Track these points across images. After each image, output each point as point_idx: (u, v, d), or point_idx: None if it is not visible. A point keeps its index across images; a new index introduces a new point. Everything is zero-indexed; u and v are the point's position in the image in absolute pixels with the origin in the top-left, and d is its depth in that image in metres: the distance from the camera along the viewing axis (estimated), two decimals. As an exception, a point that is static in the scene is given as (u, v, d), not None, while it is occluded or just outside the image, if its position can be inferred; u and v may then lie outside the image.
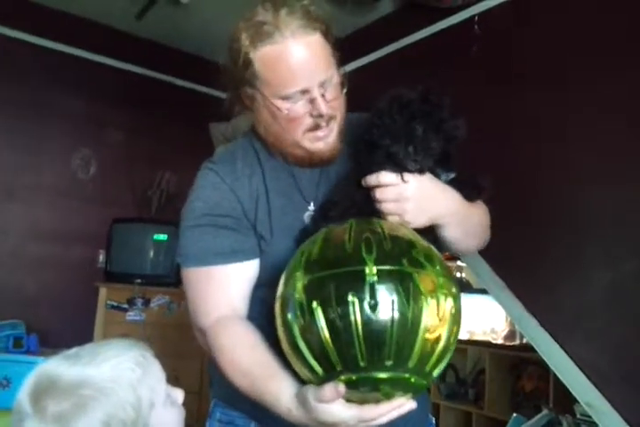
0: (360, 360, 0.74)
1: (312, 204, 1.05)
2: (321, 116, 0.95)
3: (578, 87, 1.89)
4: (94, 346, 0.81)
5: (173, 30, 3.12)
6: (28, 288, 2.81)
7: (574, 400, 2.07)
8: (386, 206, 0.90)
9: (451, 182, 0.98)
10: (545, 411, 2.50)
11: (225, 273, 0.99)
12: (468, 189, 0.99)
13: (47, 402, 0.71)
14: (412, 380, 0.77)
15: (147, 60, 3.24)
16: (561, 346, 1.84)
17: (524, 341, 2.97)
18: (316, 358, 0.77)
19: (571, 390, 1.84)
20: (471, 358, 3.32)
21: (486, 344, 3.25)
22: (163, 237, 3.00)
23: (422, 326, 0.75)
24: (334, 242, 0.82)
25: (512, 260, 1.99)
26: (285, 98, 0.94)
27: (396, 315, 0.74)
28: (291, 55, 0.91)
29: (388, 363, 0.74)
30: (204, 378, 2.81)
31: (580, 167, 1.85)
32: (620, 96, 1.78)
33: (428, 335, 0.76)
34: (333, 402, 0.75)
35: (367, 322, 0.73)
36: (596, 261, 1.78)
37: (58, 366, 0.75)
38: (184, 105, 3.32)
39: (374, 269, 0.75)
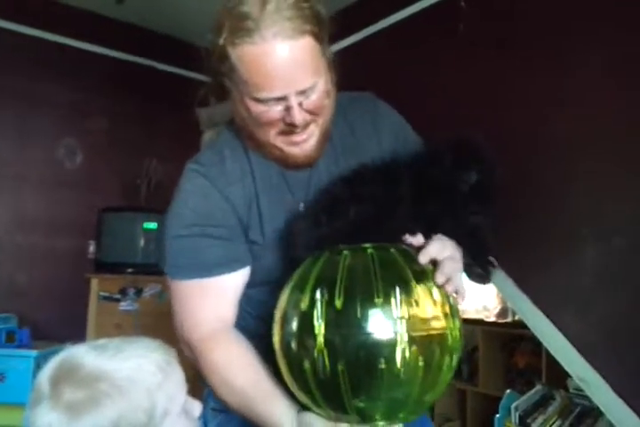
0: (377, 418, 0.78)
1: (302, 204, 1.00)
2: (295, 126, 0.89)
3: (570, 59, 1.88)
4: (122, 341, 0.80)
5: (156, 14, 3.06)
6: (18, 281, 2.78)
7: (567, 375, 2.10)
8: (456, 283, 0.85)
9: None
10: (538, 386, 2.54)
11: (219, 284, 0.96)
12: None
13: (64, 388, 0.71)
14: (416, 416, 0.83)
15: (130, 45, 3.18)
16: (553, 322, 1.86)
17: (517, 317, 3.00)
18: (330, 407, 0.79)
19: (563, 365, 1.86)
20: (464, 337, 3.35)
21: (479, 322, 3.27)
22: (153, 225, 2.97)
23: (444, 382, 0.80)
24: (360, 290, 0.76)
25: (503, 237, 1.99)
26: (259, 101, 0.87)
27: (421, 378, 0.76)
28: (268, 60, 0.82)
29: (402, 416, 0.79)
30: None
31: (571, 144, 1.85)
32: (614, 66, 1.76)
33: (444, 386, 0.81)
34: None
35: (393, 386, 0.75)
36: (586, 238, 1.78)
37: (83, 354, 0.75)
38: (170, 90, 3.27)
39: (405, 337, 0.74)
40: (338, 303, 0.75)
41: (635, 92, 1.71)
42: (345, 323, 0.74)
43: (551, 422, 2.23)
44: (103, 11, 3.05)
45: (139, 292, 2.85)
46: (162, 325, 2.72)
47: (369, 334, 0.74)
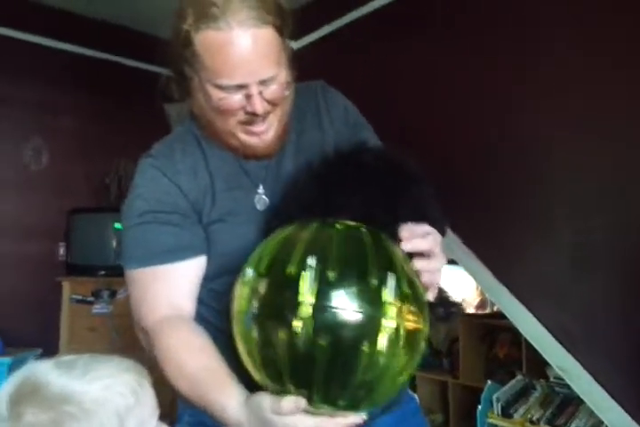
0: (340, 404, 0.75)
1: (261, 186, 1.00)
2: (255, 115, 0.90)
3: (543, 51, 1.87)
4: (91, 359, 0.73)
5: (121, 8, 2.99)
6: (-14, 287, 2.71)
7: (546, 364, 2.10)
8: (439, 261, 0.84)
9: None
10: (519, 376, 2.55)
11: (171, 272, 0.95)
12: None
13: (25, 409, 0.65)
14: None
15: (97, 41, 3.10)
16: (531, 312, 1.86)
17: (495, 309, 3.01)
18: (293, 382, 0.74)
19: (543, 354, 1.86)
20: (444, 329, 3.36)
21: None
22: (124, 225, 2.91)
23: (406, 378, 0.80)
24: (355, 267, 0.73)
25: (479, 229, 1.99)
26: (220, 88, 0.88)
27: (396, 368, 0.75)
28: (232, 47, 0.84)
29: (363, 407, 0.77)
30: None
31: (544, 129, 1.84)
32: (583, 54, 1.77)
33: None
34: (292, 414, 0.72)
35: (368, 371, 0.72)
36: (562, 227, 1.78)
37: (47, 373, 0.69)
38: (138, 86, 3.18)
39: (393, 324, 0.72)
40: (331, 275, 0.71)
41: (605, 78, 1.71)
42: (336, 297, 0.71)
43: (533, 412, 2.23)
44: (69, 6, 2.97)
45: (112, 294, 2.79)
46: (137, 327, 2.70)
47: (359, 313, 0.71)
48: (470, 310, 3.39)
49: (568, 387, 2.03)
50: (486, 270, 1.98)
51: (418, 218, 0.87)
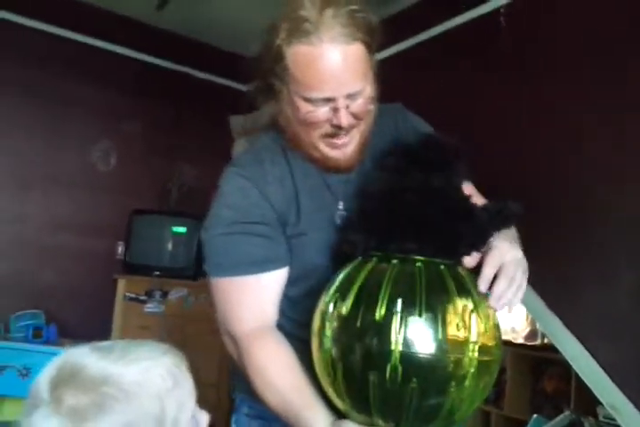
0: None
1: (341, 203, 1.03)
2: (340, 128, 0.93)
3: (608, 81, 1.84)
4: (129, 343, 0.74)
5: (193, 22, 3.11)
6: (47, 279, 2.83)
7: (597, 402, 2.02)
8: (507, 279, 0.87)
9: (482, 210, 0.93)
10: (566, 412, 2.46)
11: (259, 282, 0.98)
12: (500, 217, 0.94)
13: (65, 392, 0.65)
14: None
15: (167, 52, 3.24)
16: (584, 347, 1.80)
17: (546, 341, 2.92)
18: (381, 416, 0.77)
19: (594, 391, 1.79)
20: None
21: (507, 344, 3.19)
22: (181, 229, 3.00)
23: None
24: (441, 308, 0.75)
25: (535, 258, 1.94)
26: (308, 100, 0.91)
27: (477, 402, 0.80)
28: (323, 61, 0.88)
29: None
30: (222, 370, 2.81)
31: (608, 166, 1.80)
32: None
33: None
34: None
35: (455, 407, 0.76)
36: (621, 260, 1.73)
37: (85, 356, 0.69)
38: (204, 97, 3.31)
39: (475, 362, 0.75)
40: (419, 320, 0.74)
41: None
42: (425, 342, 0.73)
43: (578, 451, 2.15)
44: (142, 17, 3.11)
45: (164, 294, 2.86)
46: (188, 329, 2.75)
47: (447, 356, 0.73)
48: (519, 340, 3.29)
49: (618, 427, 1.94)
50: (539, 300, 1.93)
51: (482, 243, 0.88)
